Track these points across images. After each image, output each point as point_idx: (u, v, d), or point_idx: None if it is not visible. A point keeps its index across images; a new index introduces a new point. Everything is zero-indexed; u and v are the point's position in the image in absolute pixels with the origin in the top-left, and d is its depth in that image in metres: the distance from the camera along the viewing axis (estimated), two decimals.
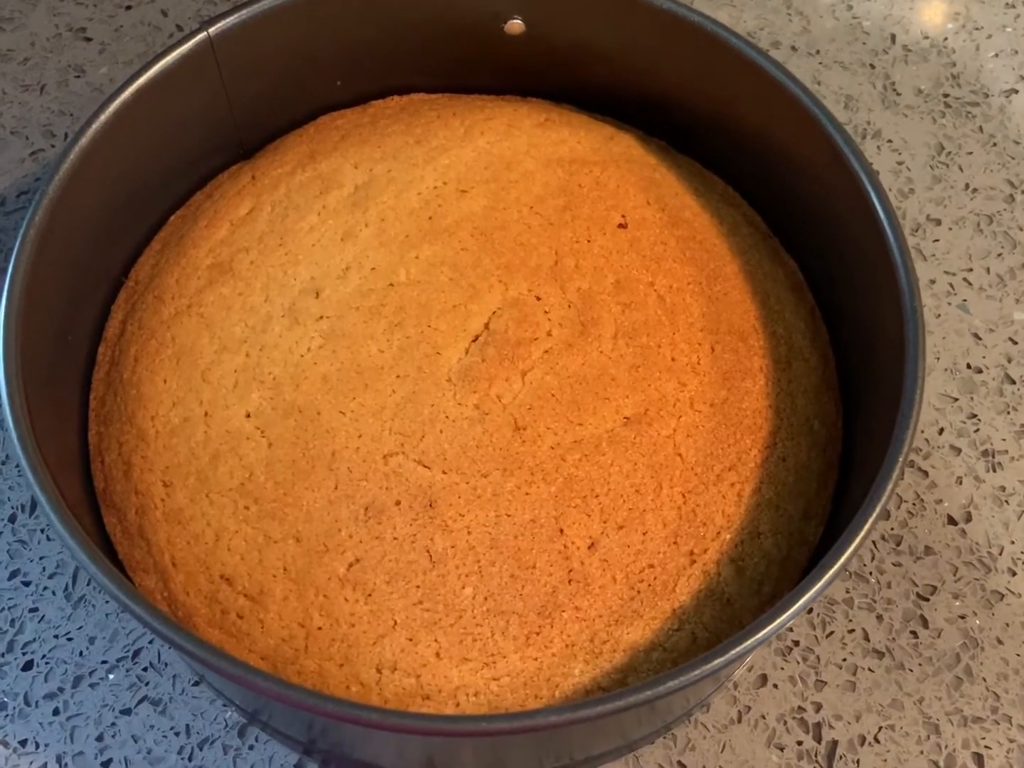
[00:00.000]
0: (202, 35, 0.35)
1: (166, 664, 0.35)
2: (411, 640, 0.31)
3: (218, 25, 0.35)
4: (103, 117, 0.34)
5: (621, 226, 0.38)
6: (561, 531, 0.32)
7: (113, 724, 0.34)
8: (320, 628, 0.31)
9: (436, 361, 0.34)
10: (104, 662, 0.35)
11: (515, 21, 0.39)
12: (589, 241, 0.37)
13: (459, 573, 0.31)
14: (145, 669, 0.34)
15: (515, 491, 0.32)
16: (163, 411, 0.34)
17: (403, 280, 0.36)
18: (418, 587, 0.31)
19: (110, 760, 0.33)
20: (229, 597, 0.31)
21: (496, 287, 0.36)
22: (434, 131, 0.40)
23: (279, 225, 0.37)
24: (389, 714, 0.25)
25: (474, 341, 0.35)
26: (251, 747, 0.33)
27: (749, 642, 0.26)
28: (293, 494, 0.32)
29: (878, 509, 0.28)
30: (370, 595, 0.31)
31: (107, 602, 0.36)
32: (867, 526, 0.27)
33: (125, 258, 0.38)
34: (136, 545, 0.33)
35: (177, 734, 0.33)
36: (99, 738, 0.33)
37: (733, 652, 0.26)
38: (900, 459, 0.29)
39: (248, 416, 0.33)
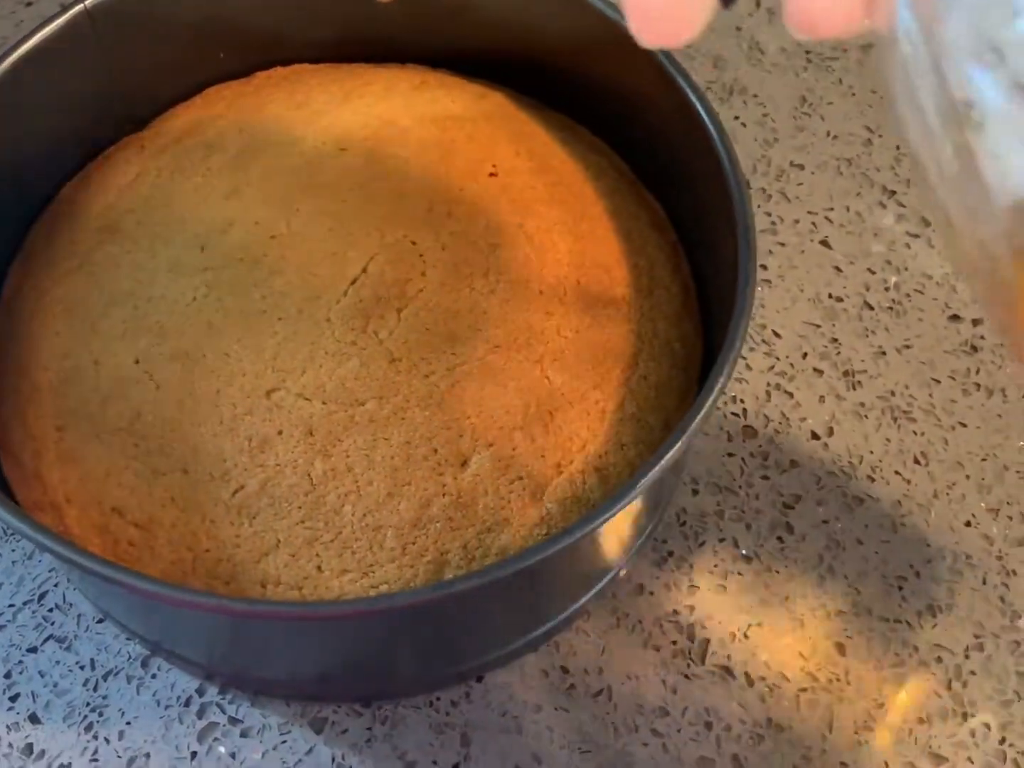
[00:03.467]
0: (79, 7, 0.37)
1: (71, 605, 0.36)
2: (293, 556, 0.33)
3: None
4: None
5: (492, 175, 0.40)
6: (435, 450, 0.34)
7: (20, 662, 0.35)
8: (207, 550, 0.33)
9: (316, 303, 0.36)
10: (11, 605, 0.36)
11: None
12: (461, 190, 0.39)
13: (338, 493, 0.33)
14: (50, 610, 0.36)
15: (390, 417, 0.34)
16: (55, 362, 0.36)
17: (284, 232, 0.38)
18: (300, 508, 0.33)
19: (18, 695, 0.35)
20: (120, 527, 0.33)
21: (373, 234, 0.38)
22: (315, 97, 0.42)
23: (165, 188, 0.39)
24: (256, 603, 0.27)
25: (352, 284, 0.37)
26: (153, 676, 0.35)
27: (592, 524, 0.28)
28: (180, 431, 0.34)
29: (709, 401, 0.30)
30: (254, 518, 0.33)
31: (13, 550, 0.37)
32: (695, 423, 0.30)
33: (19, 229, 0.40)
34: (32, 487, 0.34)
35: (82, 668, 0.35)
36: (7, 675, 0.35)
37: (579, 532, 0.28)
38: (731, 358, 0.31)
39: (136, 362, 0.35)
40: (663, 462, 0.29)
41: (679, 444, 0.29)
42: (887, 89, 0.19)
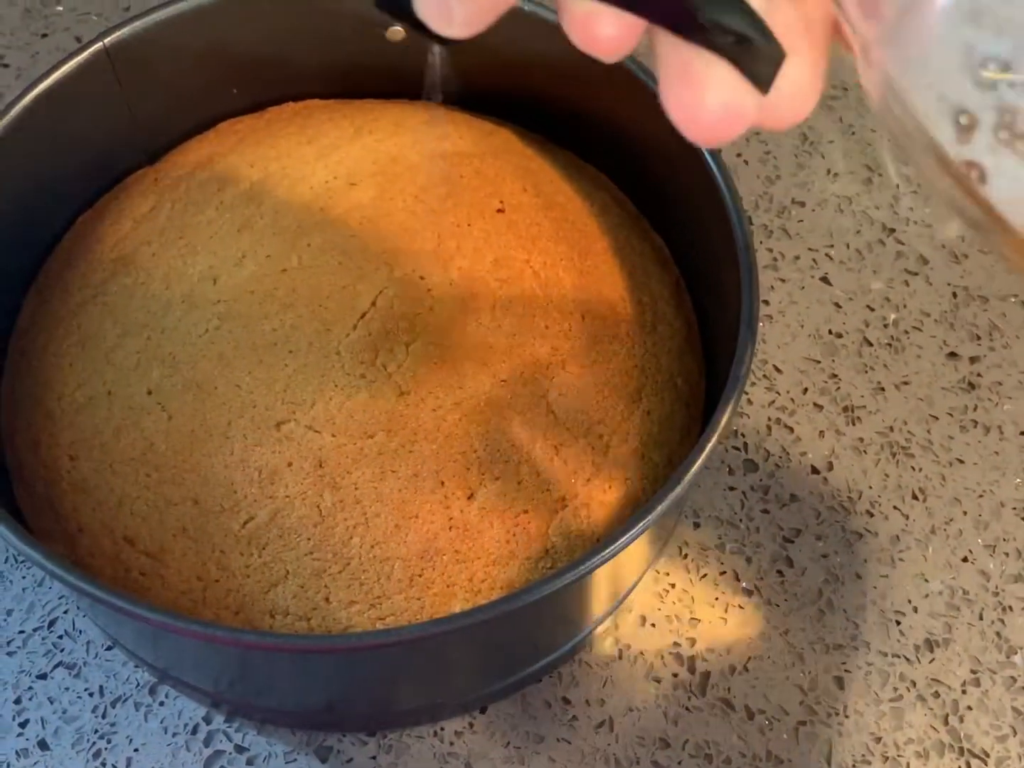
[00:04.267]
0: (98, 45, 0.38)
1: (80, 631, 0.37)
2: (302, 587, 0.33)
3: (113, 36, 0.38)
4: (1, 125, 0.36)
5: (499, 211, 0.41)
6: (442, 483, 0.35)
7: (30, 688, 0.35)
8: (217, 580, 0.33)
9: (326, 336, 0.37)
10: (21, 632, 0.37)
11: (396, 28, 0.42)
12: (469, 225, 0.40)
13: (347, 525, 0.34)
14: (60, 637, 0.36)
15: (399, 449, 0.35)
16: (69, 392, 0.36)
17: (295, 265, 0.38)
18: (308, 539, 0.34)
19: (27, 720, 0.35)
20: (131, 556, 0.34)
21: (382, 269, 0.38)
22: (325, 132, 0.43)
23: (179, 220, 0.40)
24: (268, 635, 0.28)
25: (361, 318, 0.37)
26: (161, 703, 0.35)
27: (595, 559, 0.29)
28: (191, 461, 0.35)
29: (712, 440, 0.31)
30: (264, 548, 0.33)
31: (24, 577, 0.38)
32: (699, 461, 0.30)
33: (35, 258, 0.40)
34: (45, 515, 0.35)
35: (91, 695, 0.36)
36: (17, 701, 0.35)
37: (583, 567, 0.29)
38: (734, 396, 0.32)
39: (149, 393, 0.36)
40: (668, 500, 0.30)
41: (684, 482, 0.30)
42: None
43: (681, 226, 0.41)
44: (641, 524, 0.29)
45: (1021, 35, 0.18)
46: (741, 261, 0.34)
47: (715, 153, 0.37)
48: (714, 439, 0.31)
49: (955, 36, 0.18)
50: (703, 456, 0.30)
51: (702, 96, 0.19)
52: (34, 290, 0.40)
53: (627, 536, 0.29)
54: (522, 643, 0.34)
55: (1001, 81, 0.18)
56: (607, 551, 0.29)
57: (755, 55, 0.19)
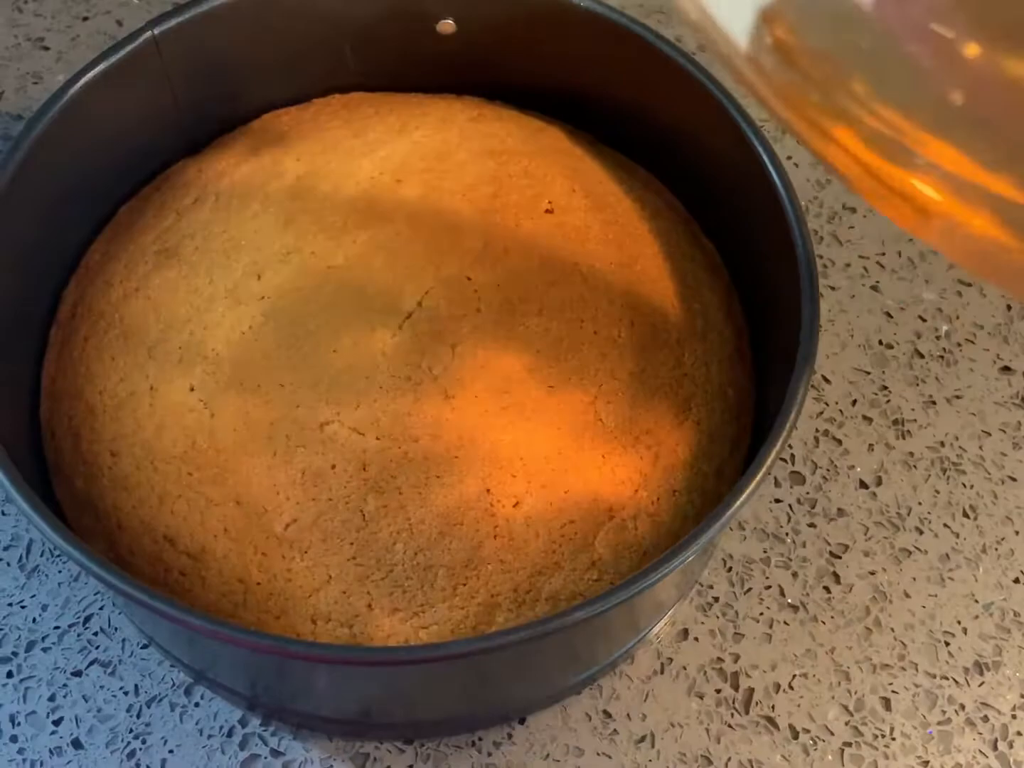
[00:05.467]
0: (147, 34, 0.37)
1: (116, 628, 0.36)
2: (344, 593, 0.32)
3: (162, 25, 0.37)
4: (51, 113, 0.36)
5: (548, 211, 0.40)
6: (488, 490, 0.34)
7: (64, 685, 0.35)
8: (259, 583, 0.33)
9: (371, 337, 0.36)
10: (56, 627, 0.36)
11: (446, 22, 0.42)
12: (517, 226, 0.39)
13: (391, 531, 0.33)
14: (96, 634, 0.36)
15: (444, 454, 0.34)
16: (110, 386, 0.36)
17: (341, 263, 0.38)
18: (352, 544, 0.33)
19: (61, 718, 0.35)
20: (172, 556, 0.33)
21: (428, 268, 0.38)
22: (372, 126, 0.42)
23: (223, 213, 0.39)
24: (319, 647, 0.27)
25: (407, 318, 0.37)
26: (197, 704, 0.35)
27: (650, 578, 0.28)
28: (234, 460, 0.34)
29: (770, 458, 0.30)
30: (306, 552, 0.33)
31: (60, 571, 0.37)
32: (760, 474, 0.30)
33: (77, 247, 0.40)
34: (84, 512, 0.34)
35: (126, 693, 0.35)
36: (51, 698, 0.35)
37: (635, 586, 0.28)
38: (791, 415, 0.31)
39: (192, 389, 0.35)
40: (722, 520, 0.29)
41: (739, 503, 0.29)
42: None
43: (732, 230, 0.40)
44: (695, 545, 0.29)
45: None
46: (802, 274, 0.33)
47: (774, 156, 0.36)
48: (771, 458, 0.30)
49: None
50: (760, 474, 0.30)
51: None
52: (75, 280, 0.39)
53: (680, 557, 0.29)
54: (565, 657, 0.34)
55: None
56: (659, 572, 0.28)
57: None
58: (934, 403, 0.42)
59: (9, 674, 0.35)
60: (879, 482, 0.40)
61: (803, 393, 0.31)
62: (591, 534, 0.34)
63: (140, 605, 0.28)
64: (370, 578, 0.33)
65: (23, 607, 0.36)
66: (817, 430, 0.42)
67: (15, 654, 0.36)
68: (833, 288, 0.45)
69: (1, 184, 0.34)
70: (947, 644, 0.37)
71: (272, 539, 0.33)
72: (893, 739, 0.36)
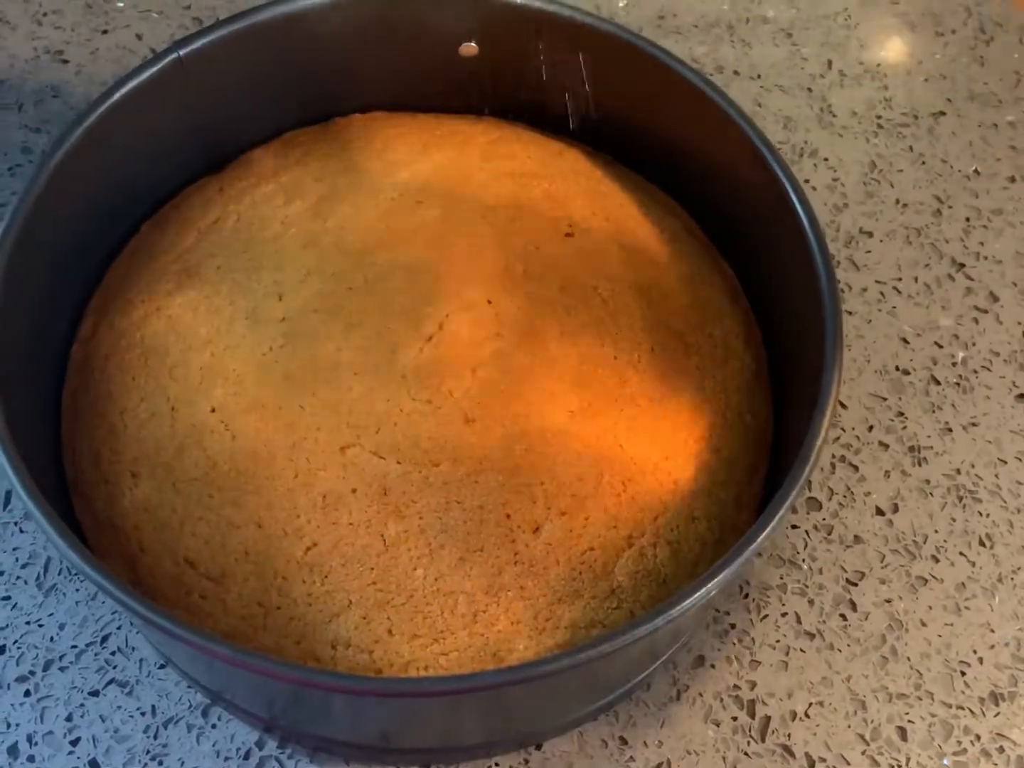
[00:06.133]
0: (173, 55, 0.37)
1: (133, 648, 0.36)
2: (364, 618, 0.33)
3: (189, 46, 0.38)
4: (78, 131, 0.36)
5: (568, 235, 0.40)
6: (508, 516, 0.34)
7: (82, 705, 0.35)
8: (278, 608, 0.33)
9: (392, 359, 0.36)
10: (74, 647, 0.36)
11: (469, 45, 0.42)
12: (537, 248, 0.39)
13: (411, 556, 0.33)
14: (113, 653, 0.36)
15: (464, 479, 0.34)
16: (131, 406, 0.36)
17: (361, 284, 0.38)
18: (372, 569, 0.33)
19: (78, 739, 0.35)
20: (193, 579, 0.33)
21: (449, 291, 0.38)
22: (393, 146, 0.42)
23: (244, 233, 0.39)
24: (343, 678, 0.27)
25: (428, 341, 0.37)
26: (214, 726, 0.35)
27: (674, 610, 0.28)
28: (254, 483, 0.34)
29: (793, 494, 0.30)
30: (326, 576, 0.33)
31: (77, 590, 0.37)
32: (782, 510, 0.30)
33: (98, 264, 0.40)
34: (104, 532, 0.34)
35: (143, 714, 0.35)
36: (68, 718, 0.35)
37: (652, 624, 0.28)
38: (816, 445, 0.31)
39: (213, 411, 0.35)
40: (746, 554, 0.29)
41: (763, 536, 0.29)
42: None
43: (752, 256, 0.40)
44: (720, 577, 0.29)
45: None
46: (825, 303, 0.33)
47: (794, 180, 0.36)
48: (794, 493, 0.30)
49: None
50: (784, 508, 0.30)
51: None
52: (96, 297, 0.39)
53: (704, 590, 0.29)
54: (583, 684, 0.34)
55: None
56: (683, 604, 0.28)
57: None
58: (950, 430, 0.42)
59: (26, 693, 0.35)
60: (895, 509, 0.41)
61: (827, 426, 0.31)
62: (611, 561, 0.34)
63: (163, 632, 0.28)
64: (391, 603, 0.33)
65: (40, 626, 0.36)
66: (834, 456, 0.42)
67: (32, 673, 0.36)
68: (850, 313, 0.45)
69: (28, 202, 0.34)
70: (963, 674, 0.37)
71: (292, 563, 0.33)
72: None
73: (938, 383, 0.43)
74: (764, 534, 0.29)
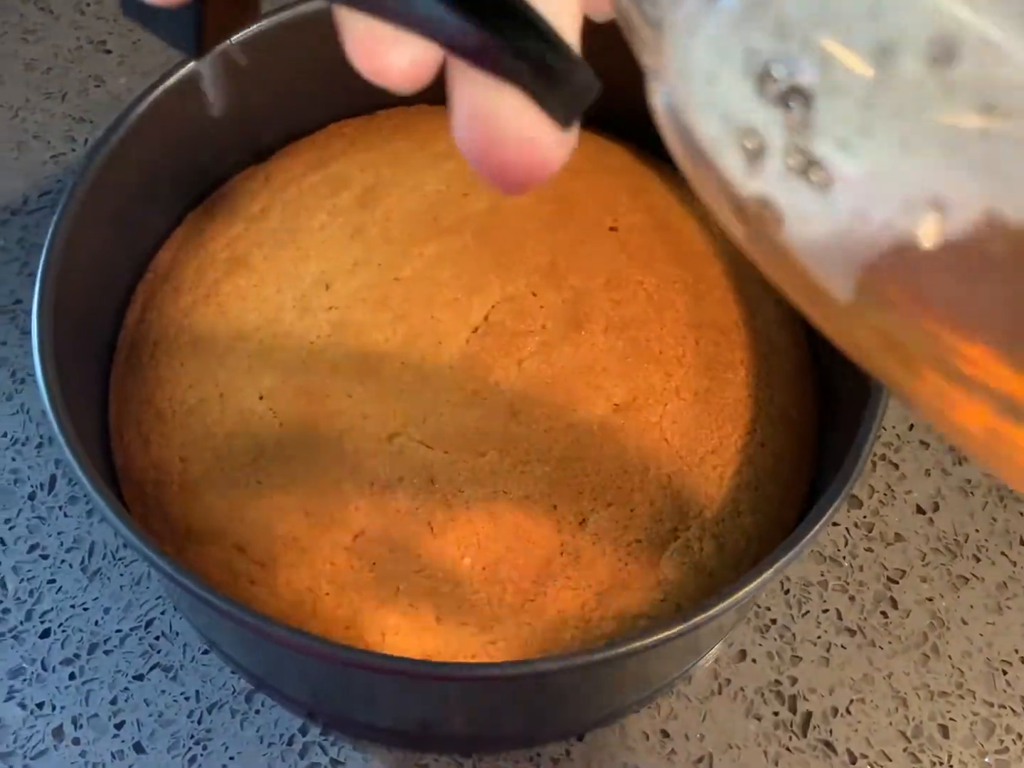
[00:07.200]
0: (224, 44, 0.37)
1: (177, 633, 0.36)
2: (412, 605, 0.33)
3: (239, 36, 0.38)
4: (130, 118, 0.36)
5: (612, 229, 0.40)
6: (554, 507, 0.34)
7: (126, 689, 0.35)
8: (327, 594, 0.33)
9: (438, 350, 0.36)
10: (118, 631, 0.36)
11: None
12: (582, 243, 0.39)
13: (458, 544, 0.33)
14: (157, 638, 0.36)
15: (511, 470, 0.34)
16: (180, 392, 0.36)
17: (408, 275, 0.38)
18: (419, 557, 0.33)
19: (123, 722, 0.35)
20: (242, 565, 0.33)
21: (495, 283, 0.38)
22: (438, 138, 0.42)
23: (291, 223, 0.40)
24: (399, 661, 0.27)
25: (474, 332, 0.37)
26: (257, 711, 0.35)
27: (720, 606, 0.28)
28: (303, 470, 0.34)
29: (844, 492, 0.30)
30: (375, 564, 0.33)
31: (121, 575, 0.37)
32: (832, 508, 0.30)
33: (146, 252, 0.40)
34: (153, 516, 0.35)
35: (187, 699, 0.35)
36: (113, 701, 0.35)
37: (705, 615, 0.28)
38: (867, 447, 0.31)
39: (261, 398, 0.36)
40: (795, 551, 0.29)
41: (812, 534, 0.29)
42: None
43: None
44: (768, 572, 0.29)
45: (805, 29, 0.14)
46: None
47: None
48: (844, 493, 0.30)
49: (734, 36, 0.15)
50: (833, 507, 0.30)
51: (492, 132, 0.17)
52: (144, 284, 0.40)
53: (752, 586, 0.29)
54: (627, 676, 0.34)
55: (786, 87, 0.14)
56: (728, 601, 0.28)
57: (555, 82, 0.16)
58: None
59: (71, 676, 0.36)
60: (936, 508, 0.40)
61: (877, 425, 0.31)
62: (656, 554, 0.34)
63: (215, 611, 0.28)
64: (438, 591, 0.33)
65: (85, 609, 0.37)
66: (875, 453, 0.42)
67: (77, 656, 0.36)
68: None
69: (80, 192, 0.34)
70: (1004, 673, 0.37)
71: (341, 550, 0.33)
72: (951, 767, 0.36)
73: None
74: (813, 531, 0.29)
